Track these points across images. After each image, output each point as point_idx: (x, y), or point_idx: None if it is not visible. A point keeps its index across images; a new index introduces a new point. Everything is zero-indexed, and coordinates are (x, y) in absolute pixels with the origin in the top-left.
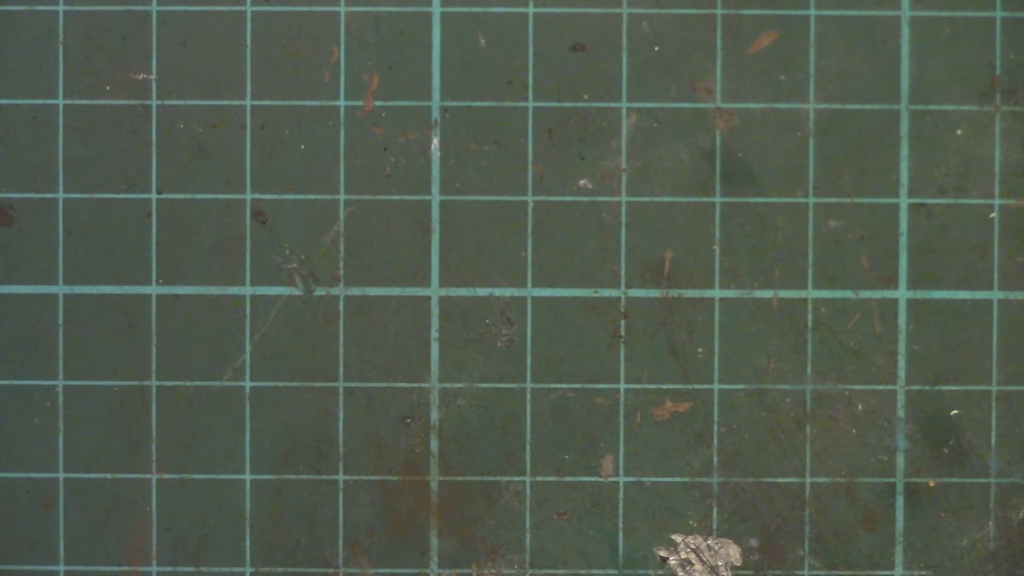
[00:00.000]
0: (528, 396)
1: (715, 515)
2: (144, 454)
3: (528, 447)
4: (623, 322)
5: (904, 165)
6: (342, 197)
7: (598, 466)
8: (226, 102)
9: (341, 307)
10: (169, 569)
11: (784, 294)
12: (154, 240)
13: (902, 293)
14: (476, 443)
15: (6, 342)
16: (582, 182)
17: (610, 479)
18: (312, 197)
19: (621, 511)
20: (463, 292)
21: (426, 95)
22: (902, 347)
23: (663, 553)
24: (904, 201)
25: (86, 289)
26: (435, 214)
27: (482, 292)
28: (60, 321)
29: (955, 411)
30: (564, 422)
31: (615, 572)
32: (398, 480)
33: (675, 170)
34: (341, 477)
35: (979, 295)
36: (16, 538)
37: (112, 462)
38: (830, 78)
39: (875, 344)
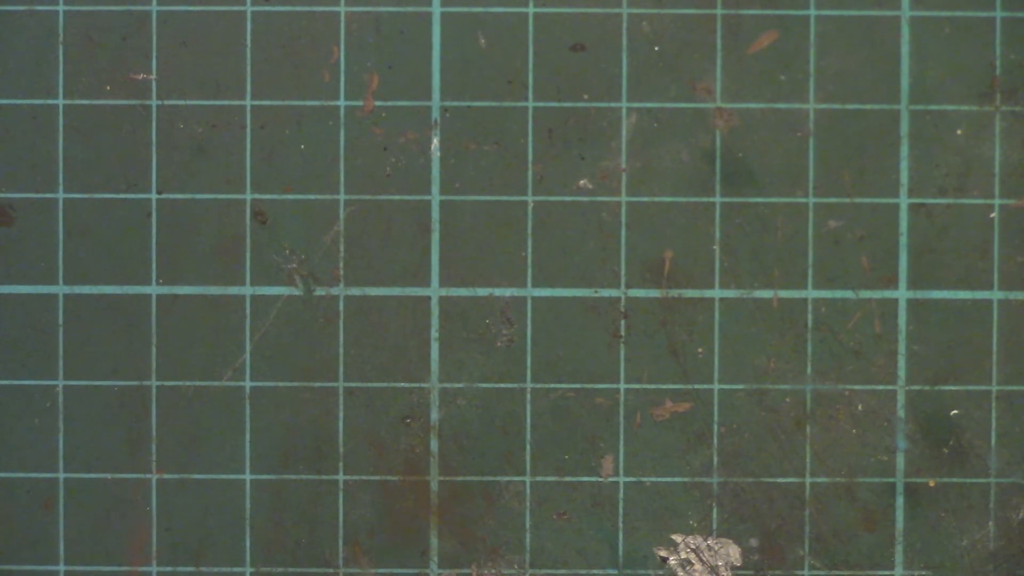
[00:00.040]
0: (528, 396)
1: (715, 515)
2: (144, 454)
3: (528, 447)
4: (623, 322)
5: (904, 165)
6: (342, 197)
7: (598, 466)
8: (226, 102)
9: (341, 307)
10: (169, 569)
11: (784, 294)
12: (154, 240)
13: (902, 293)
14: (476, 443)
15: (6, 342)
16: (582, 182)
17: (610, 479)
18: (312, 197)
19: (621, 511)
20: (463, 292)
21: (426, 95)
22: (902, 347)
23: (663, 553)
24: (904, 201)
25: (86, 289)
26: (435, 214)
27: (482, 292)
28: (60, 321)
29: (955, 411)
30: (564, 422)
31: (615, 572)
32: (398, 480)
33: (675, 170)
34: (341, 477)
35: (979, 295)
36: (16, 538)
37: (112, 462)
38: (830, 78)
39: (875, 344)
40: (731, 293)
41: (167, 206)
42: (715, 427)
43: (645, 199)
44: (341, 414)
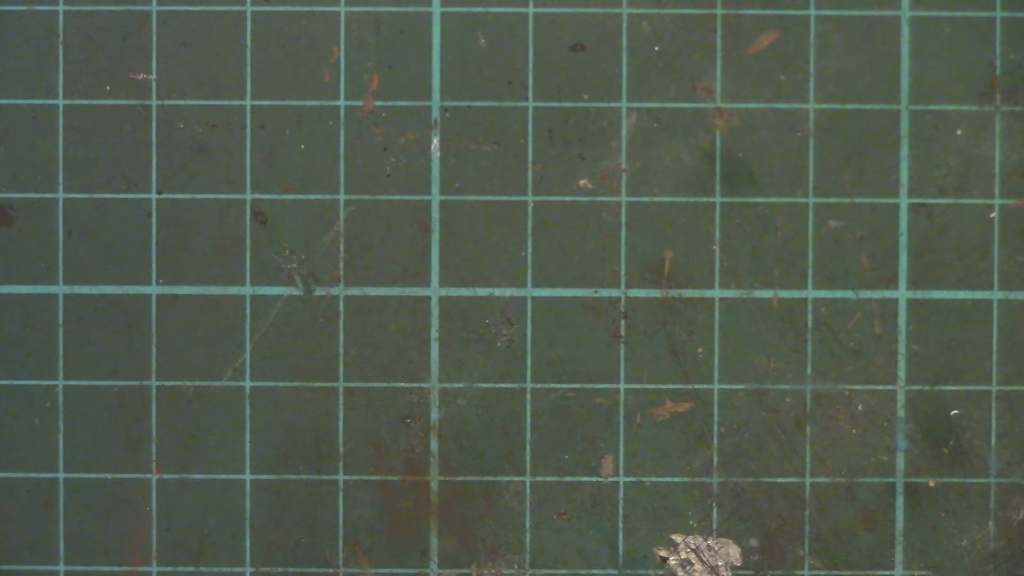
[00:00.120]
0: (528, 396)
1: (715, 515)
2: (144, 454)
3: (528, 447)
4: (623, 322)
5: (904, 165)
6: (342, 197)
7: (598, 466)
8: (226, 102)
9: (341, 307)
10: (169, 569)
11: (784, 294)
12: (154, 240)
13: (902, 293)
14: (476, 443)
15: (6, 342)
16: (582, 182)
17: (610, 479)
18: (312, 197)
19: (621, 511)
20: (463, 292)
21: (426, 95)
22: (902, 347)
23: (663, 553)
24: (904, 201)
25: (86, 289)
26: (435, 214)
27: (482, 292)
28: (60, 321)
29: (955, 411)
30: (564, 422)
31: (615, 572)
32: (398, 480)
33: (675, 170)
34: (341, 477)
35: (979, 295)
36: (16, 538)
37: (112, 462)
38: (830, 78)
39: (875, 344)
40: (731, 293)
41: (167, 206)
42: (715, 427)
43: (645, 199)
44: (341, 414)
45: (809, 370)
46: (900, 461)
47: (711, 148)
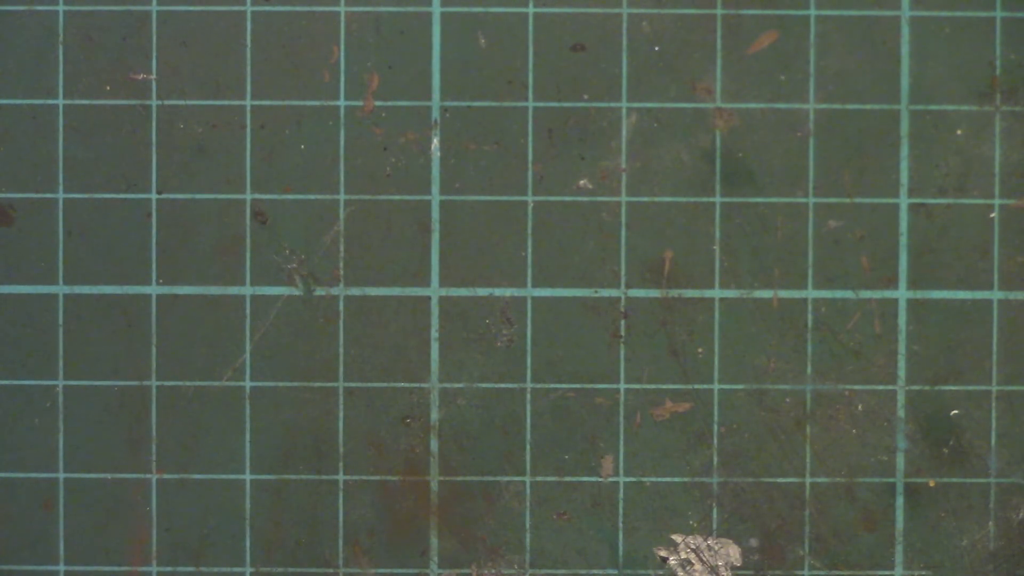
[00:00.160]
0: (528, 396)
1: (715, 515)
2: (144, 454)
3: (528, 447)
4: (623, 322)
5: (904, 165)
6: (342, 197)
7: (598, 466)
8: (226, 102)
9: (341, 307)
10: (169, 569)
11: (784, 294)
12: (154, 240)
13: (902, 293)
14: (476, 443)
15: (6, 342)
16: (582, 182)
17: (610, 479)
18: (312, 197)
19: (621, 511)
20: (463, 292)
21: (426, 95)
22: (902, 347)
23: (663, 553)
24: (904, 201)
25: (86, 289)
26: (435, 214)
27: (482, 292)
28: (60, 321)
29: (955, 411)
30: (564, 422)
31: (615, 572)
32: (398, 480)
33: (675, 170)
34: (341, 477)
35: (979, 295)
36: (16, 538)
37: (112, 462)
38: (830, 78)
39: (875, 344)
40: (731, 293)
41: (167, 206)
42: (715, 427)
43: (645, 199)
44: (341, 414)
45: (809, 370)
46: (900, 461)
47: (711, 148)
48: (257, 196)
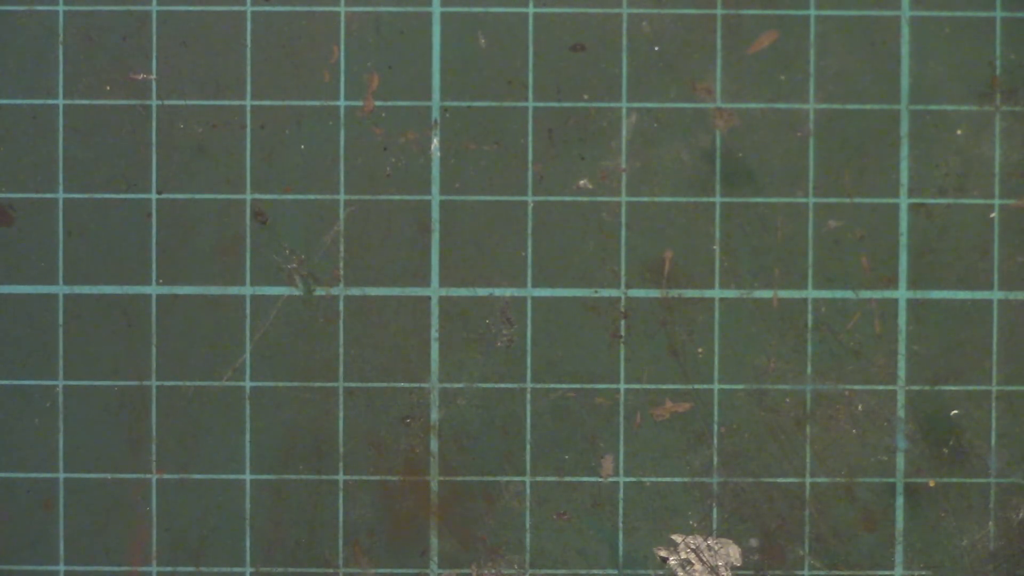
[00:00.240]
0: (528, 396)
1: (715, 515)
2: (144, 454)
3: (528, 447)
4: (623, 322)
5: (904, 165)
6: (342, 197)
7: (598, 466)
8: (226, 102)
9: (341, 307)
10: (169, 569)
11: (784, 294)
12: (154, 240)
13: (902, 293)
14: (476, 443)
15: (6, 342)
16: (582, 182)
17: (610, 479)
18: (312, 197)
19: (621, 511)
20: (463, 292)
21: (426, 95)
22: (902, 347)
23: (663, 553)
24: (904, 201)
25: (86, 289)
26: (435, 214)
27: (482, 292)
28: (60, 321)
29: (955, 411)
30: (564, 422)
31: (615, 572)
32: (398, 480)
33: (675, 170)
34: (341, 477)
35: (979, 295)
36: (16, 538)
37: (112, 462)
38: (830, 78)
39: (875, 344)
40: (731, 293)
41: (167, 206)
42: (715, 427)
43: (645, 199)
44: (341, 414)
45: (809, 370)
46: (900, 461)
47: (711, 148)
48: (257, 196)
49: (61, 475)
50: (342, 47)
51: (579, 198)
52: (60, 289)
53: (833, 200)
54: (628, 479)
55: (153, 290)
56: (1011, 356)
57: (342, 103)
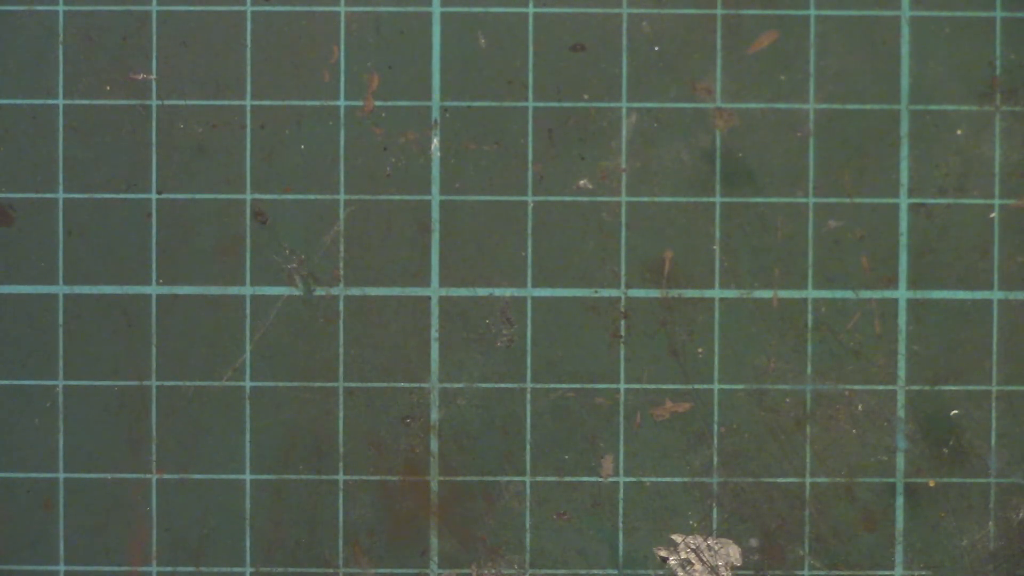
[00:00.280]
0: (528, 396)
1: (715, 515)
2: (144, 454)
3: (528, 447)
4: (623, 322)
5: (904, 165)
6: (342, 197)
7: (598, 466)
8: (226, 102)
9: (341, 307)
10: (169, 569)
11: (784, 294)
12: (154, 240)
13: (902, 293)
14: (476, 443)
15: (6, 342)
16: (582, 182)
17: (610, 479)
18: (312, 197)
19: (621, 511)
20: (463, 292)
21: (426, 95)
22: (902, 347)
23: (663, 553)
24: (904, 201)
25: (86, 289)
26: (435, 214)
27: (482, 292)
28: (60, 321)
29: (955, 411)
30: (564, 422)
31: (615, 572)
32: (398, 480)
33: (675, 170)
34: (341, 477)
35: (979, 295)
36: (16, 538)
37: (112, 462)
38: (830, 78)
39: (875, 344)
40: (731, 293)
41: (167, 206)
42: (715, 427)
43: (645, 199)
44: (341, 414)
45: (809, 370)
46: (900, 461)
47: (711, 148)
48: (257, 196)
49: (61, 475)
50: (342, 47)
51: (579, 198)
52: (60, 289)
53: (833, 200)
54: (628, 479)
55: (153, 290)
56: (1011, 356)
57: (342, 103)
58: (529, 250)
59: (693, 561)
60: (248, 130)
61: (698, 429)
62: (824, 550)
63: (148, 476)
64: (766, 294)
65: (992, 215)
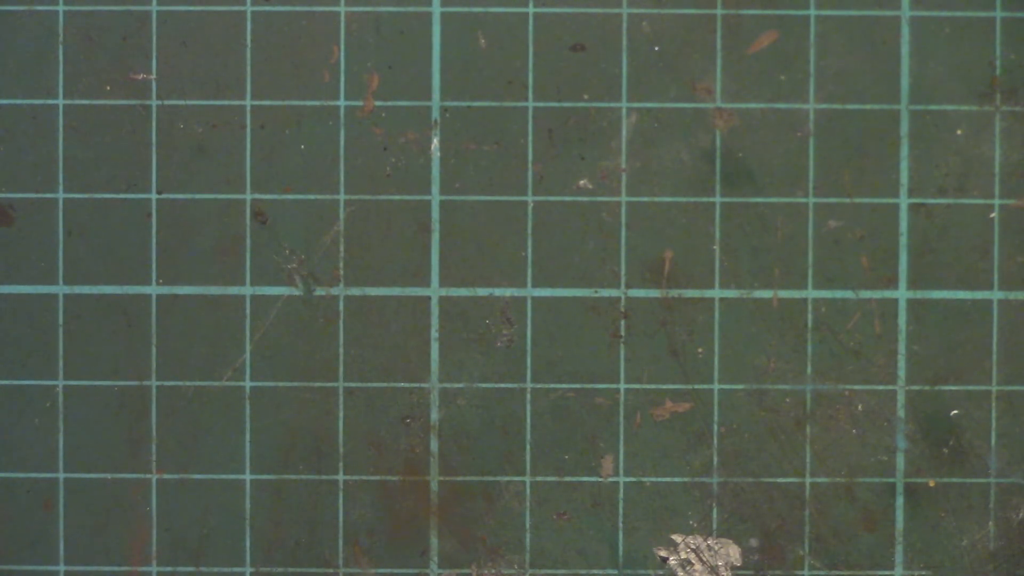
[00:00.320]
0: (528, 396)
1: (715, 515)
2: (144, 454)
3: (528, 447)
4: (623, 322)
5: (904, 165)
6: (342, 197)
7: (598, 466)
8: (226, 102)
9: (341, 307)
10: (169, 569)
11: (784, 294)
12: (154, 240)
13: (902, 293)
14: (476, 443)
15: (6, 342)
16: (582, 182)
17: (610, 479)
18: (312, 197)
19: (621, 511)
20: (463, 292)
21: (426, 95)
22: (902, 347)
23: (663, 553)
24: (904, 201)
25: (86, 289)
26: (435, 214)
27: (482, 292)
28: (60, 321)
29: (955, 411)
30: (564, 422)
31: (615, 572)
32: (398, 480)
33: (675, 170)
34: (341, 477)
35: (979, 295)
36: (16, 538)
37: (112, 462)
38: (830, 78)
39: (875, 344)
40: (731, 293)
41: (167, 206)
42: (715, 427)
43: (645, 199)
44: (341, 414)
45: (809, 370)
46: (900, 461)
47: (711, 148)
48: (257, 196)
49: (61, 475)
50: (342, 47)
51: (579, 198)
52: (60, 289)
53: (833, 200)
54: (628, 479)
55: (153, 290)
56: (1011, 356)
57: (342, 103)
58: (529, 250)
59: (693, 561)
60: (248, 130)
61: (698, 429)
62: (824, 550)
63: (148, 476)
64: (766, 294)
65: (992, 215)
